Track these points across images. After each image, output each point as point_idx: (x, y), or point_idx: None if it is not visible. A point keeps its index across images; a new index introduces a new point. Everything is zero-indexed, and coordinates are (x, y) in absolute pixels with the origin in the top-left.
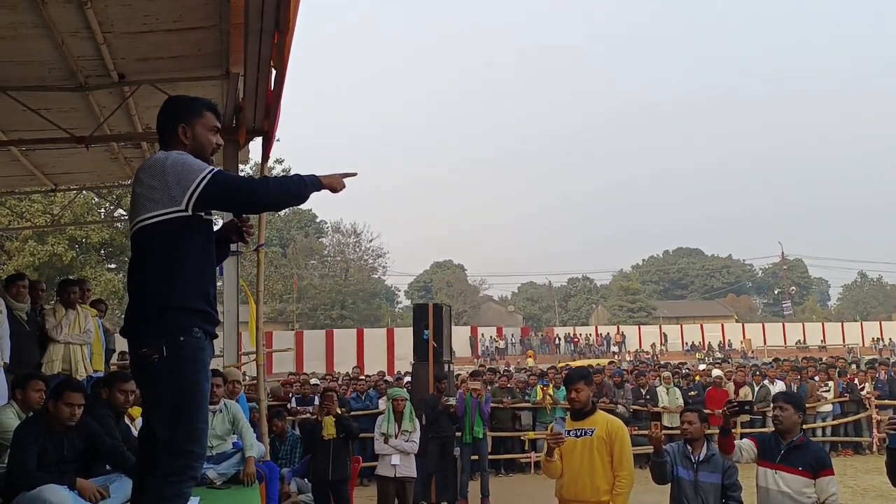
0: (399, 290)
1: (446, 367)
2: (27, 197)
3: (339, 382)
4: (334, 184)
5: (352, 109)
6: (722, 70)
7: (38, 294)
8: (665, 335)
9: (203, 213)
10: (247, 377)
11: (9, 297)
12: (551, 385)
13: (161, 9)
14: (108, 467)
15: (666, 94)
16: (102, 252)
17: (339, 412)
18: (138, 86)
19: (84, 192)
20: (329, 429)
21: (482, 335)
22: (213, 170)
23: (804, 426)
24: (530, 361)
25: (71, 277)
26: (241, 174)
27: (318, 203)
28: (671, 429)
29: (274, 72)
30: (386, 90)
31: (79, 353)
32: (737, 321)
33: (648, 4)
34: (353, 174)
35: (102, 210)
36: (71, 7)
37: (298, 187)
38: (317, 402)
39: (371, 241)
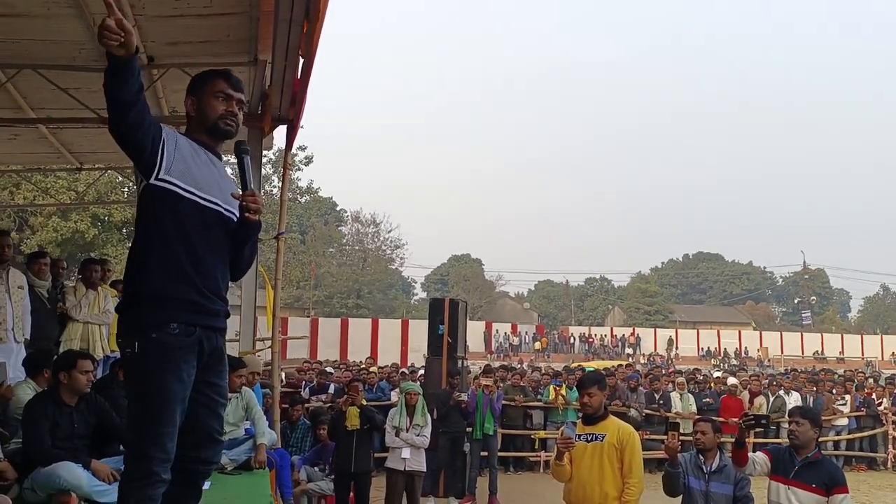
0: (416, 282)
1: (460, 362)
2: (53, 174)
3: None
4: (107, 44)
5: (379, 101)
6: (749, 81)
7: (59, 271)
8: (671, 339)
9: (170, 183)
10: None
11: (30, 273)
12: (564, 385)
13: None
14: (121, 448)
15: (693, 104)
16: (124, 231)
17: (364, 403)
18: (167, 69)
19: (108, 171)
20: (353, 419)
21: (496, 331)
22: None
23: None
24: (537, 345)
25: (93, 257)
26: (264, 160)
27: (340, 192)
28: (684, 435)
29: (301, 60)
30: (413, 81)
31: (97, 333)
32: (754, 329)
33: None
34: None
35: (125, 189)
36: None
37: (104, 81)
38: (332, 390)
39: (390, 231)
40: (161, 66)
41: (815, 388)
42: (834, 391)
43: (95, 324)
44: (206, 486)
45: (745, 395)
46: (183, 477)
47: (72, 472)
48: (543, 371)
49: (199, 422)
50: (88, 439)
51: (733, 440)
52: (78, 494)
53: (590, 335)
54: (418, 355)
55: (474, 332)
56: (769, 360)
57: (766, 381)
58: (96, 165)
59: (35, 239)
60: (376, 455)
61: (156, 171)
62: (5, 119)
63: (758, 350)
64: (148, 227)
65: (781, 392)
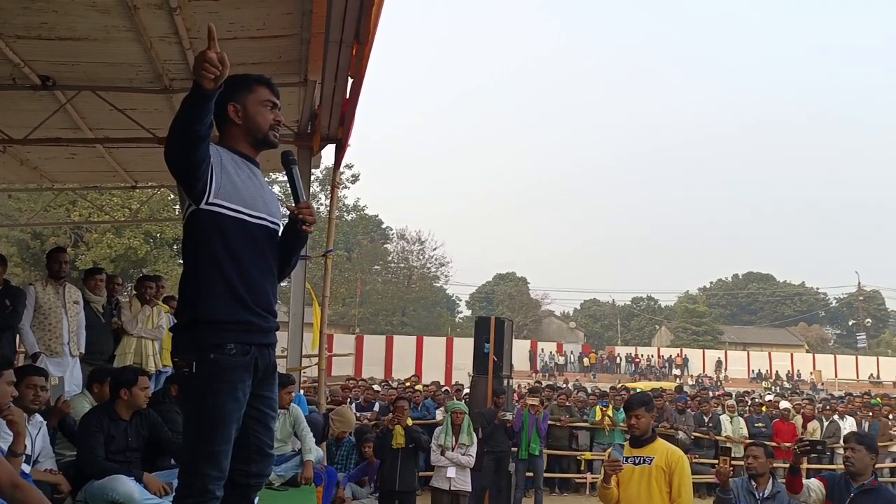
0: (460, 300)
1: (505, 381)
2: (108, 192)
3: (396, 388)
4: (199, 75)
5: (419, 118)
6: (803, 93)
7: (114, 287)
8: (719, 361)
9: (219, 206)
10: (307, 380)
11: (86, 289)
12: (611, 406)
13: (246, 17)
14: (172, 462)
15: (740, 120)
16: (174, 247)
17: (410, 423)
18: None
19: (161, 189)
20: (399, 438)
21: (542, 350)
22: None
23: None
24: (587, 361)
25: (148, 273)
26: (312, 178)
27: (385, 209)
28: (735, 459)
29: (351, 81)
30: (458, 96)
31: (150, 348)
32: (807, 351)
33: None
34: (211, 31)
35: (176, 207)
36: (161, 13)
37: (182, 111)
38: (377, 408)
39: (435, 249)
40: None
41: (870, 413)
42: (890, 416)
43: (149, 339)
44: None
45: (798, 420)
46: (234, 491)
47: (124, 485)
48: (590, 391)
49: (250, 436)
50: (141, 453)
51: (787, 466)
52: None
53: (636, 355)
54: (462, 373)
55: (519, 350)
56: (823, 384)
57: (820, 405)
58: (150, 184)
59: (90, 255)
60: (421, 474)
61: (206, 197)
62: (64, 139)
63: (810, 373)
64: (199, 251)
65: (836, 417)
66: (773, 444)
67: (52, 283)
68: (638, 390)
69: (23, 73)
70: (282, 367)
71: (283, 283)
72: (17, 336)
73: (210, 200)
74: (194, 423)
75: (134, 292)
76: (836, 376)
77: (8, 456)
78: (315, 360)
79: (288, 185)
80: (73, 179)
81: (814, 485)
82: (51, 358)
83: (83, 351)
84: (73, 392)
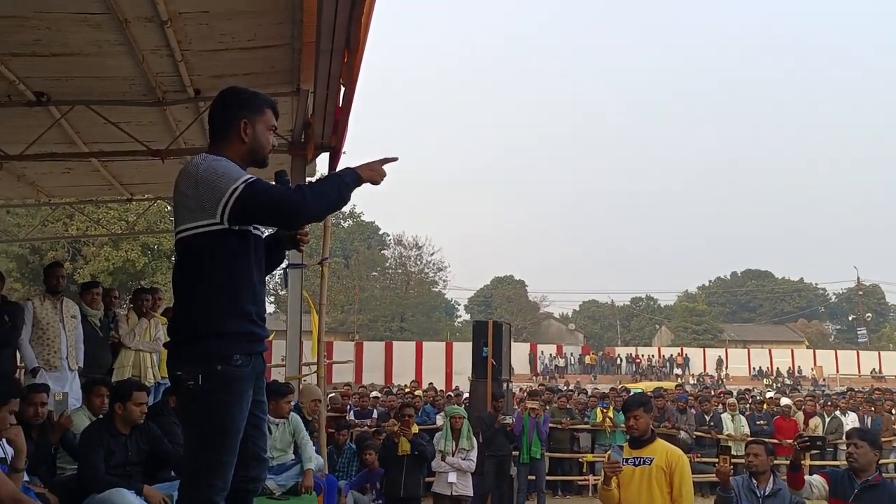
0: (459, 305)
1: (504, 385)
2: (104, 205)
3: (395, 393)
4: (374, 176)
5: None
6: (799, 93)
7: (111, 301)
8: (720, 359)
9: (240, 226)
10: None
11: (83, 303)
12: (611, 407)
13: (237, 28)
14: (172, 473)
15: (739, 115)
16: (173, 259)
17: (417, 431)
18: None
19: (157, 201)
20: (404, 445)
21: (542, 353)
22: (247, 179)
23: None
24: (588, 359)
25: (144, 286)
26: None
27: (381, 216)
28: (736, 458)
29: (343, 89)
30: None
31: (148, 361)
32: (808, 347)
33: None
34: (394, 159)
35: (173, 219)
36: (152, 26)
37: (339, 191)
38: (375, 415)
39: (432, 254)
40: (207, 99)
41: (872, 409)
42: (893, 411)
43: (147, 351)
44: None
45: (800, 416)
46: (233, 497)
47: (125, 499)
48: (590, 393)
49: (248, 441)
50: (141, 466)
51: (788, 463)
52: None
53: (637, 356)
54: (462, 378)
55: (519, 353)
56: (824, 380)
57: (822, 401)
58: (146, 196)
59: (88, 268)
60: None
61: None
62: (60, 154)
63: (812, 369)
64: (215, 267)
65: (837, 413)
66: (775, 441)
67: (49, 297)
68: (638, 391)
69: (18, 89)
70: (281, 375)
71: (281, 292)
72: (17, 351)
73: None
74: (200, 434)
75: (131, 305)
76: (837, 372)
77: (9, 472)
78: (314, 367)
79: None
80: (70, 194)
81: (816, 481)
82: (50, 372)
83: (82, 365)
84: (72, 406)
